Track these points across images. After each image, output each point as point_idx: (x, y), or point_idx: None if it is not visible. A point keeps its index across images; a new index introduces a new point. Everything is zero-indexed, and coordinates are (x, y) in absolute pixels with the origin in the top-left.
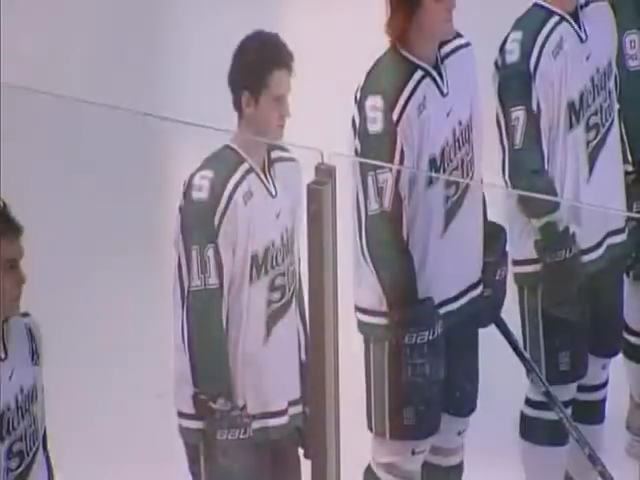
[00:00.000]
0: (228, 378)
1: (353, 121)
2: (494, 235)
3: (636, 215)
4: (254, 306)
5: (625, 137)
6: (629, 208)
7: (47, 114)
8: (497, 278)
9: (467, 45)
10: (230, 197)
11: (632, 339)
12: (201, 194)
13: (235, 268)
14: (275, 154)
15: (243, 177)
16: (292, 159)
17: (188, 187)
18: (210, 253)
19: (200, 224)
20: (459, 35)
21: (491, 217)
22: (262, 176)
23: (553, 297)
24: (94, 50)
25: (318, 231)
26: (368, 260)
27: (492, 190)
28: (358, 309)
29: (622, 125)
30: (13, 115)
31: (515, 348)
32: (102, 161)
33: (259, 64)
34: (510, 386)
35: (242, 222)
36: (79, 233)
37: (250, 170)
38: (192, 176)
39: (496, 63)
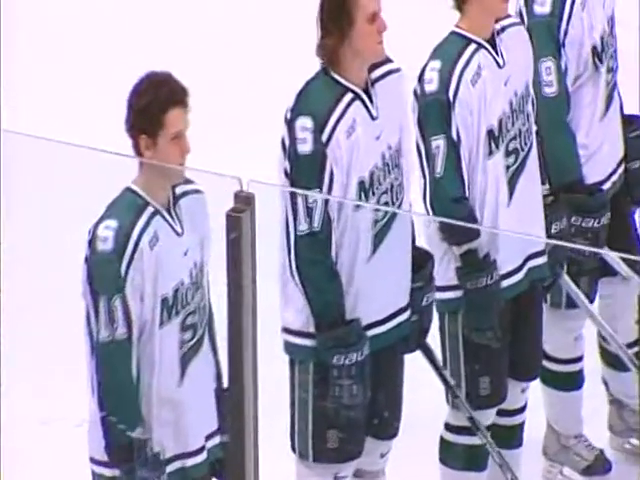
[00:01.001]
0: (139, 426)
1: (283, 142)
2: (422, 261)
3: (554, 242)
4: (167, 348)
5: (542, 160)
6: (547, 229)
7: None
8: (424, 304)
9: (398, 70)
10: (136, 245)
11: (549, 365)
12: (106, 245)
13: (144, 315)
14: (179, 189)
15: (148, 222)
16: (197, 191)
17: (93, 237)
18: (118, 303)
19: (107, 275)
20: (389, 60)
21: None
22: (167, 216)
23: (474, 323)
24: None
25: (237, 258)
26: (297, 280)
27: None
28: (285, 330)
29: (540, 148)
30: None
31: (440, 374)
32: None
33: (153, 106)
34: (432, 410)
35: (149, 268)
36: None
37: (155, 213)
38: (96, 225)
39: (415, 92)
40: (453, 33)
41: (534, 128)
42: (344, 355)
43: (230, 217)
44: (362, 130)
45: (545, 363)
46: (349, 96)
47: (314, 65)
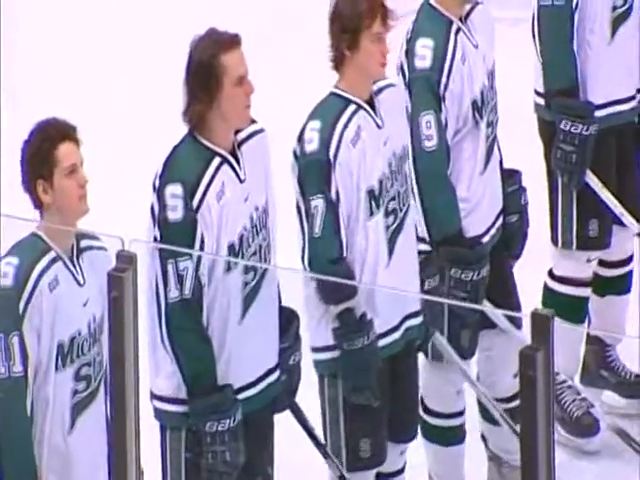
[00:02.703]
0: (34, 469)
1: (152, 209)
2: (288, 320)
3: (432, 298)
4: (59, 395)
5: (422, 214)
6: (421, 286)
7: None
8: (291, 363)
9: (261, 131)
10: (35, 285)
11: (431, 419)
12: (6, 281)
13: (41, 356)
14: (84, 243)
15: (49, 265)
16: (102, 248)
17: None
18: (15, 341)
19: (5, 311)
20: (253, 121)
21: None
22: (69, 264)
23: (352, 384)
24: None
25: (119, 318)
26: (168, 348)
27: (290, 276)
28: (155, 397)
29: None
30: None
31: (310, 434)
32: None
33: (44, 145)
34: (310, 470)
35: (48, 311)
36: None
37: (56, 259)
38: None
39: (295, 152)
40: (332, 94)
41: (412, 188)
42: (217, 422)
43: (112, 276)
44: (231, 193)
45: (427, 417)
46: (217, 160)
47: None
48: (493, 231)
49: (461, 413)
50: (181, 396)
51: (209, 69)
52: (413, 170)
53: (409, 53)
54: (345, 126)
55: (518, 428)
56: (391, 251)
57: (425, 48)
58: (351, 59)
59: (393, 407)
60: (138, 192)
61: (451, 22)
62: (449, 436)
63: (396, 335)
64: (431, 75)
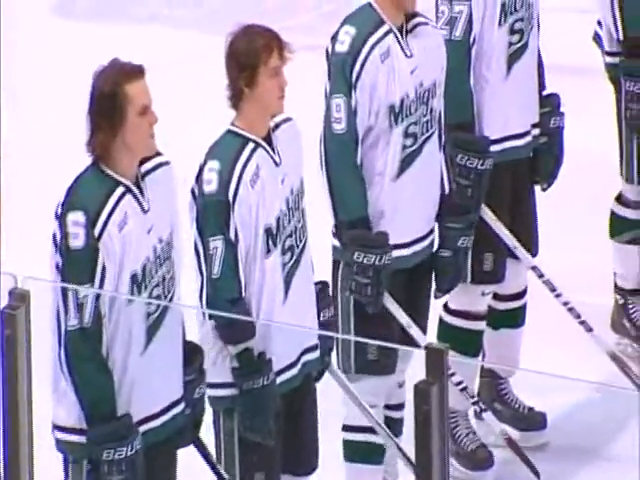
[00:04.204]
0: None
1: (54, 236)
2: (192, 353)
3: (326, 333)
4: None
5: (329, 197)
6: (317, 316)
7: None
8: (196, 396)
9: (167, 163)
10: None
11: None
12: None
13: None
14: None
15: None
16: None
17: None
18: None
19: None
20: (159, 153)
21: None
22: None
23: (248, 423)
24: None
25: (12, 355)
26: (67, 376)
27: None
28: (57, 428)
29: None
30: None
31: (213, 468)
32: None
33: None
34: None
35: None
36: None
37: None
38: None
39: (193, 192)
40: (229, 132)
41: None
42: (114, 450)
43: (4, 314)
44: (134, 224)
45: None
46: (120, 190)
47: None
48: (419, 247)
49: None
50: (83, 426)
51: (112, 99)
52: (322, 153)
53: (333, 38)
54: (244, 166)
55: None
56: (287, 288)
57: (347, 34)
58: (249, 95)
59: (292, 441)
60: None
61: (384, 22)
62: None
63: (294, 370)
64: (346, 60)
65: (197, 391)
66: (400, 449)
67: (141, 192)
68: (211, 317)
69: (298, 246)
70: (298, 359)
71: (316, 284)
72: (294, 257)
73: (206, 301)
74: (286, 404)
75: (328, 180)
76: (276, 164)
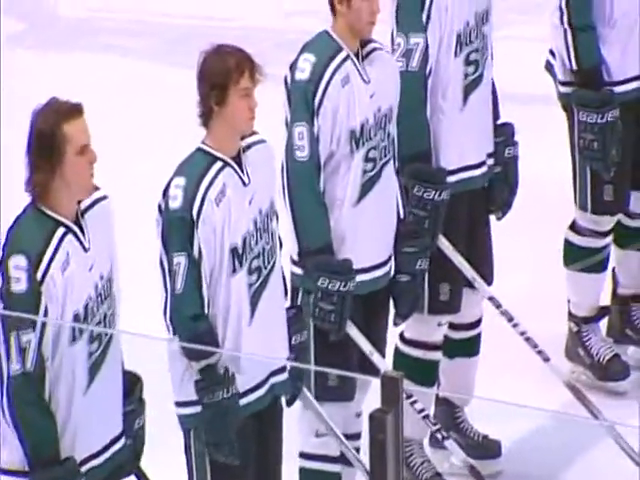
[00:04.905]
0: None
1: None
2: (132, 384)
3: (294, 364)
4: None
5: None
6: (289, 341)
7: None
8: (136, 427)
9: (104, 198)
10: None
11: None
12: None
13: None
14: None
15: None
16: None
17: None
18: None
19: None
20: (97, 188)
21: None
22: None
23: (211, 438)
24: None
25: None
26: (9, 420)
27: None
28: (1, 470)
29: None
30: None
31: None
32: None
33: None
34: None
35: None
36: None
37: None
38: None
39: (159, 207)
40: (199, 150)
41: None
42: None
43: None
44: (75, 263)
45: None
46: (61, 230)
47: None
48: (380, 273)
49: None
50: (27, 469)
51: (51, 138)
52: (284, 180)
53: (292, 66)
54: (210, 184)
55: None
56: (254, 309)
57: (306, 62)
58: (219, 114)
59: (259, 463)
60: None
61: (341, 49)
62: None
63: (261, 392)
64: (307, 87)
65: (137, 422)
66: (369, 474)
67: (81, 230)
68: (175, 333)
69: (266, 267)
70: (266, 380)
71: (290, 308)
72: (261, 278)
73: (169, 317)
74: (255, 425)
75: (291, 208)
76: (244, 184)
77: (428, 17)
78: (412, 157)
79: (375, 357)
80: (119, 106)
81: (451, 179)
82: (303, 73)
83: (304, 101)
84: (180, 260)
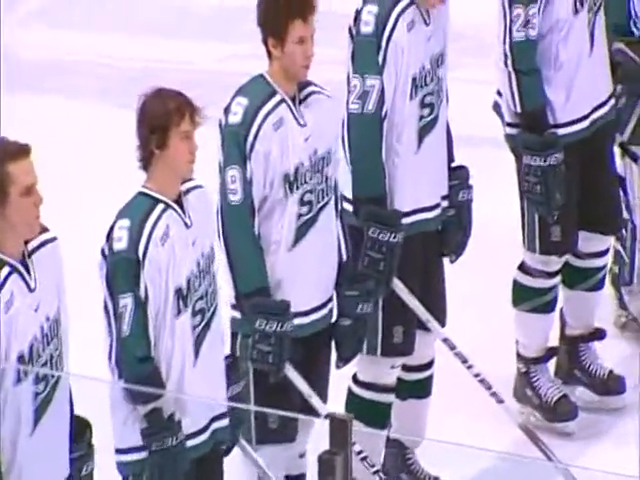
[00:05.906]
0: None
1: None
2: (80, 429)
3: (234, 405)
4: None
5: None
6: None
7: None
8: (84, 473)
9: (53, 240)
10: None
11: None
12: None
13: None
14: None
15: None
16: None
17: None
18: None
19: None
20: (46, 229)
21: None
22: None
23: None
24: None
25: None
26: None
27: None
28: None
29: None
30: None
31: None
32: None
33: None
34: None
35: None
36: None
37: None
38: None
39: (102, 251)
40: (140, 194)
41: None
42: None
43: None
44: (20, 303)
45: None
46: (6, 270)
47: None
48: (318, 316)
49: None
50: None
51: None
52: (219, 224)
53: (226, 110)
54: (154, 225)
55: None
56: (197, 351)
57: (239, 105)
58: (160, 158)
59: None
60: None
61: (276, 92)
62: None
63: (203, 437)
64: (239, 131)
65: (85, 468)
66: None
67: (27, 270)
68: (121, 377)
69: (209, 309)
70: (208, 425)
71: (226, 358)
72: (205, 320)
73: (115, 360)
74: (197, 470)
75: (226, 251)
76: (187, 226)
77: (384, 59)
78: (367, 200)
79: (314, 400)
80: (68, 148)
81: (406, 221)
82: (235, 116)
83: (236, 145)
84: (126, 302)
